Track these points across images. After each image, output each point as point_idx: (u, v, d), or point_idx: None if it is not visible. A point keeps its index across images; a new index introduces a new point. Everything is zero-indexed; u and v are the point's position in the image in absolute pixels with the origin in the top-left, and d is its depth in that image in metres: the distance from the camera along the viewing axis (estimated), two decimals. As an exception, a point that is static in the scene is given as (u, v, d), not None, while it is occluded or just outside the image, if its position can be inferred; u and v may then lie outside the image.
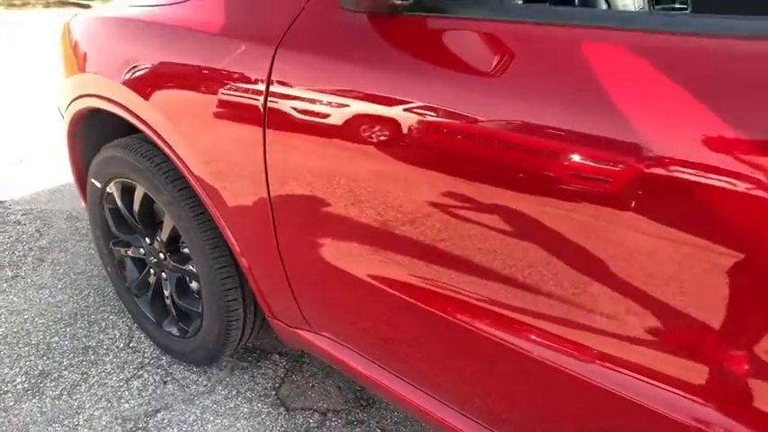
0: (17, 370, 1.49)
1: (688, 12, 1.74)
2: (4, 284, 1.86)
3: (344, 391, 1.47)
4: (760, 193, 0.53)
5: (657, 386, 0.67)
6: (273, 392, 1.46)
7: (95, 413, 1.37)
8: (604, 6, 1.01)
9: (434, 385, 0.99)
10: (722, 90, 0.56)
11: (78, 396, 1.42)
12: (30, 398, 1.41)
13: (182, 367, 1.52)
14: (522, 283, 0.75)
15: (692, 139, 0.56)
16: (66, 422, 1.34)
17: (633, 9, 1.14)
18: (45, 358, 1.54)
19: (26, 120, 3.45)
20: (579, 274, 0.69)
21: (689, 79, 0.58)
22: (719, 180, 0.54)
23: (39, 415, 1.36)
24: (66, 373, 1.49)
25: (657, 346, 0.66)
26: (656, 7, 1.78)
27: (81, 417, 1.36)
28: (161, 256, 1.41)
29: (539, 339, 0.77)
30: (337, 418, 1.38)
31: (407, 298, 0.89)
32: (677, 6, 1.77)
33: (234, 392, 1.45)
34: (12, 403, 1.39)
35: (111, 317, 1.71)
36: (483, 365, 0.86)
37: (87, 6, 7.06)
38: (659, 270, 0.62)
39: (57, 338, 1.62)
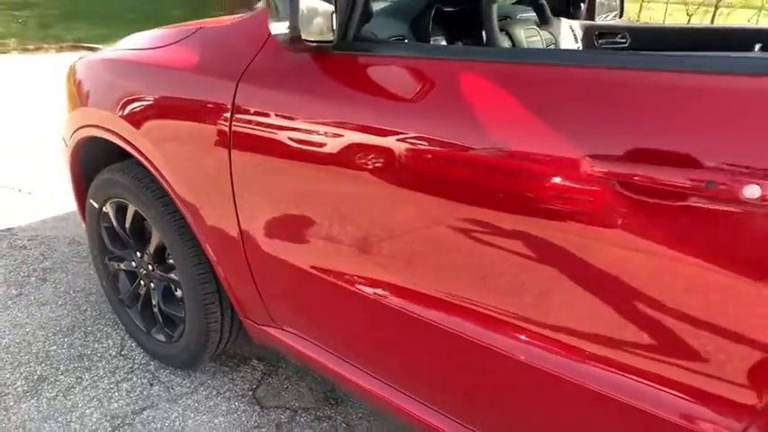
0: (18, 375, 1.64)
1: (626, 44, 1.94)
2: (9, 302, 2.02)
3: (315, 391, 1.60)
4: (591, 186, 0.69)
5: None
6: (250, 393, 1.59)
7: (87, 411, 1.51)
8: (508, 44, 1.20)
9: (388, 374, 1.12)
10: (558, 106, 0.73)
11: (72, 397, 1.56)
12: (28, 399, 1.55)
13: (168, 371, 1.67)
14: (466, 276, 0.86)
15: (534, 144, 0.73)
16: (60, 419, 1.48)
17: (541, 46, 1.32)
18: (44, 365, 1.69)
19: (35, 155, 3.68)
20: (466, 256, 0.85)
21: (544, 101, 0.75)
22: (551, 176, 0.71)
23: (36, 413, 1.50)
24: (62, 377, 1.64)
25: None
26: (599, 42, 1.99)
27: (74, 414, 1.50)
28: (149, 267, 1.58)
29: (493, 330, 0.87)
30: (307, 414, 1.51)
31: (349, 287, 1.05)
32: (618, 40, 1.98)
33: (214, 393, 1.59)
34: (12, 403, 1.53)
35: (106, 328, 1.86)
36: (432, 355, 0.98)
37: (97, 49, 7.43)
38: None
39: (55, 347, 1.76)
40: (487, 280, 0.86)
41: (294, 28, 0.81)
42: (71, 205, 2.25)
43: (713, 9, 16.51)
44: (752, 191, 0.56)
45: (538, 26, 1.37)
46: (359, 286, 1.03)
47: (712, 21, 15.96)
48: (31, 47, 8.61)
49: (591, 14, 2.08)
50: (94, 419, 1.48)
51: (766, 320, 0.60)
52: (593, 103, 0.69)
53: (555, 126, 0.71)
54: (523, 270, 0.80)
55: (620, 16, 2.19)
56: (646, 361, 0.71)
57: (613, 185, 0.66)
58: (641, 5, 17.87)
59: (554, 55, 0.77)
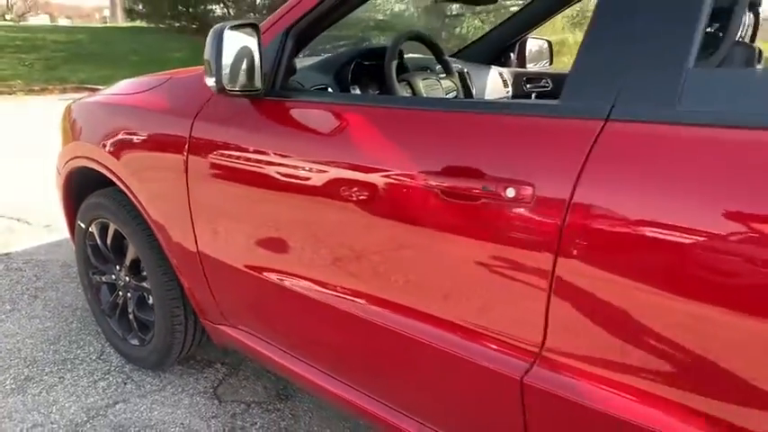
0: (6, 376, 1.86)
1: (549, 88, 2.25)
2: (2, 315, 2.25)
3: (269, 389, 1.82)
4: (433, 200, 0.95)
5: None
6: (211, 390, 1.81)
7: (66, 405, 1.72)
8: (408, 93, 1.49)
9: (322, 363, 1.33)
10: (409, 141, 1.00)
11: (54, 393, 1.77)
12: (15, 395, 1.76)
13: (140, 372, 1.88)
14: (383, 274, 1.07)
15: (396, 164, 0.99)
16: (42, 411, 1.69)
17: (441, 95, 1.61)
18: (31, 367, 1.90)
19: (33, 188, 3.96)
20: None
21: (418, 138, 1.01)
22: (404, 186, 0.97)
23: (21, 406, 1.71)
24: (46, 377, 1.85)
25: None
26: (526, 87, 2.30)
27: (55, 407, 1.71)
28: (126, 278, 1.82)
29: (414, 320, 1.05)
30: (258, 407, 1.73)
31: (284, 286, 1.29)
32: (543, 85, 2.28)
33: (179, 390, 1.80)
34: (0, 398, 1.74)
35: (88, 338, 2.09)
36: (356, 344, 1.21)
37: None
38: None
39: (42, 353, 1.99)
40: (391, 275, 1.08)
41: (219, 82, 1.09)
42: (65, 233, 2.50)
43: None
44: (510, 192, 0.82)
45: (442, 77, 1.66)
46: (291, 285, 1.28)
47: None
48: (36, 88, 9.04)
49: (522, 63, 2.40)
50: (72, 411, 1.69)
51: (532, 287, 0.84)
52: (426, 133, 0.96)
53: (408, 151, 0.98)
54: (400, 261, 1.05)
55: (551, 64, 2.51)
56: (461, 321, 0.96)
57: (438, 193, 0.92)
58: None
59: (415, 102, 1.04)
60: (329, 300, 1.17)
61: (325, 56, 1.59)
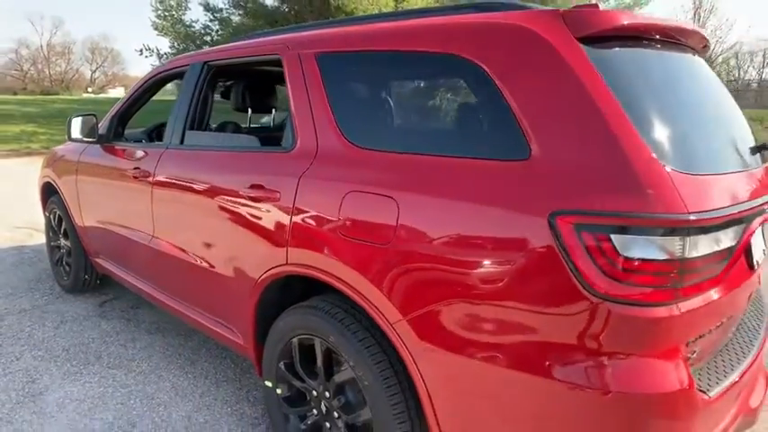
0: (-1, 293, 3.45)
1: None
2: (8, 272, 3.87)
3: (129, 305, 3.30)
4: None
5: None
6: (99, 303, 3.32)
7: (23, 303, 3.27)
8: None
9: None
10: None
11: (19, 299, 3.33)
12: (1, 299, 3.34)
13: (67, 294, 3.43)
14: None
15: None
16: (8, 304, 3.24)
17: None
18: (12, 290, 3.48)
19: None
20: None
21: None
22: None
23: (1, 303, 3.27)
24: (19, 293, 3.43)
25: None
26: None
27: (17, 303, 3.26)
28: (62, 241, 3.41)
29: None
30: (120, 310, 3.22)
31: (121, 233, 2.80)
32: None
33: (82, 302, 3.32)
34: (-8, 301, 3.32)
35: (49, 281, 3.67)
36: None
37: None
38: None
39: (20, 285, 3.57)
40: (144, 222, 2.58)
41: (68, 133, 2.68)
42: (55, 230, 4.17)
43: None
44: (137, 172, 2.32)
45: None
46: (116, 230, 2.79)
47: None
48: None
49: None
50: (24, 305, 3.25)
51: (146, 203, 2.31)
52: (144, 156, 2.49)
53: (138, 162, 2.51)
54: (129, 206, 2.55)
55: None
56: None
57: (131, 175, 2.43)
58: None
59: (149, 146, 2.58)
60: (130, 235, 2.67)
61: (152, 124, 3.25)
